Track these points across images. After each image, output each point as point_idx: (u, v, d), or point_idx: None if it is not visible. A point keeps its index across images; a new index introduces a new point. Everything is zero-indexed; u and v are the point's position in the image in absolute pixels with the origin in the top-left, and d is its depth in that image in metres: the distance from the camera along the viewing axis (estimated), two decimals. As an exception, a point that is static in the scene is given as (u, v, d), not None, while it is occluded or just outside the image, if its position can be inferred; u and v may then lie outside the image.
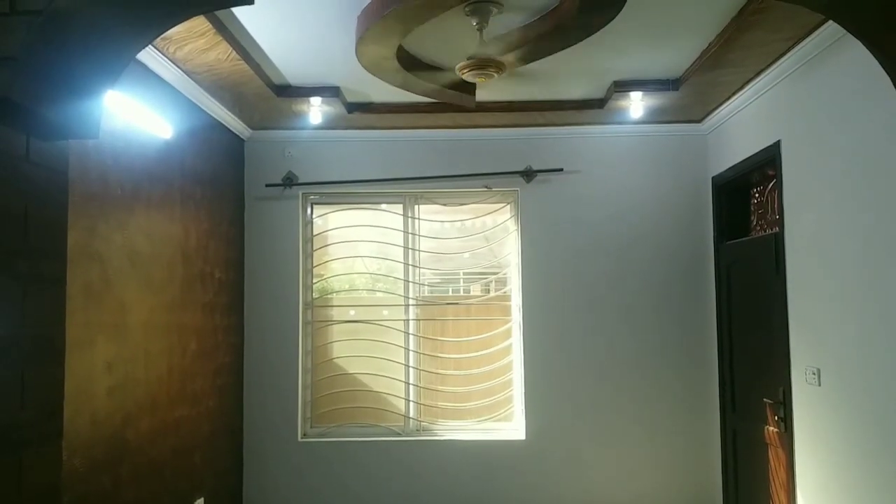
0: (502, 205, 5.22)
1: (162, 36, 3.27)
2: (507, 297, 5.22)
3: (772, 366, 4.03)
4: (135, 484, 3.41)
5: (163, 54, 3.57)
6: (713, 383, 4.92)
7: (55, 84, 1.82)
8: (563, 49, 3.41)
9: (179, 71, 3.80)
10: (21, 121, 1.76)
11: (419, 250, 5.23)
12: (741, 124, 4.43)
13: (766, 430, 4.12)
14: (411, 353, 5.16)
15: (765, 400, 4.11)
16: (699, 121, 4.95)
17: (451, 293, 5.39)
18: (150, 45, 3.39)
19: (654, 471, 4.92)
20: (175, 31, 3.28)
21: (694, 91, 4.30)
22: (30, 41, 1.70)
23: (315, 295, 5.24)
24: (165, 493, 3.75)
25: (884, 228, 2.95)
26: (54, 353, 1.91)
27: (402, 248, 5.21)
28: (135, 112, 3.42)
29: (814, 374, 3.53)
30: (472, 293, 5.40)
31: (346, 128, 5.01)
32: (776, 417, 3.96)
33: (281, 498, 4.98)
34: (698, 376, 4.95)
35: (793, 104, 3.75)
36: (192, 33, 3.31)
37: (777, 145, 3.89)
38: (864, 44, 2.26)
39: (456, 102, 4.14)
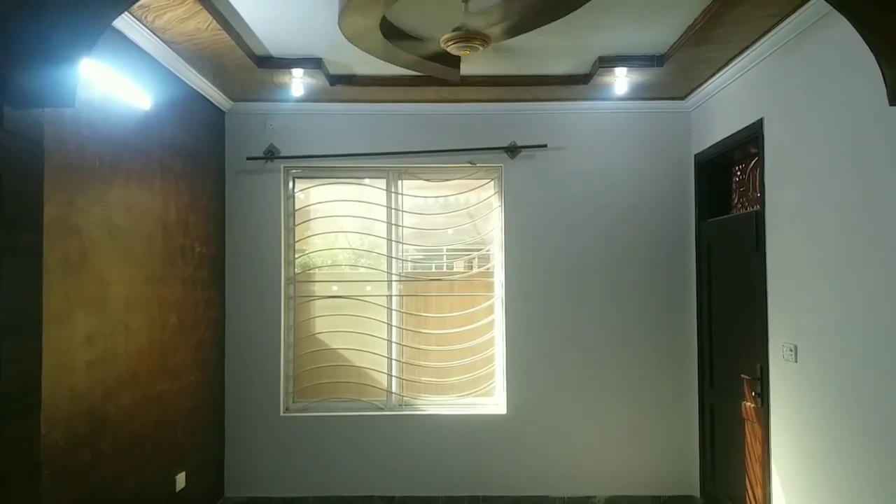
0: (486, 181, 5.21)
1: (140, 4, 3.21)
2: (489, 274, 5.24)
3: (750, 342, 4.09)
4: (116, 458, 3.41)
5: (141, 23, 3.49)
6: (692, 359, 4.99)
7: (29, 50, 1.77)
8: (549, 23, 3.37)
9: (158, 40, 3.72)
10: (-6, 88, 1.71)
11: (402, 226, 5.21)
12: (724, 102, 4.44)
13: (743, 406, 4.19)
14: (394, 328, 5.17)
15: (742, 376, 4.17)
16: (683, 98, 4.95)
17: (434, 269, 5.39)
18: (128, 14, 3.33)
19: (634, 445, 4.99)
20: (153, -1, 3.21)
21: (678, 67, 4.29)
22: (2, 5, 1.65)
23: (297, 270, 5.22)
24: (147, 467, 3.75)
25: (864, 208, 2.98)
26: (32, 325, 1.88)
27: (386, 224, 5.19)
28: (113, 82, 3.35)
29: (791, 350, 3.58)
30: (455, 269, 5.40)
31: (329, 101, 4.95)
32: (753, 393, 4.03)
33: (263, 472, 5.00)
34: (678, 352, 5.02)
35: (776, 82, 3.76)
36: (172, 1, 3.24)
37: (760, 123, 3.90)
38: (848, 20, 2.26)
39: (440, 76, 4.10)
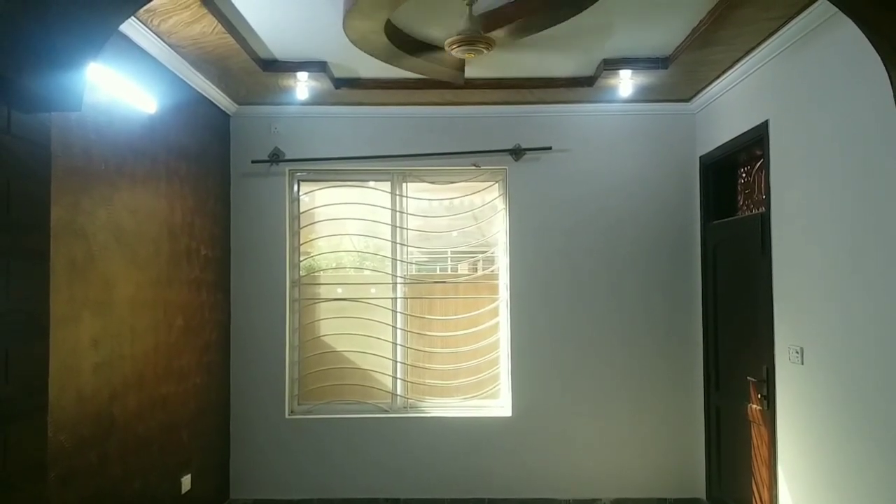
0: (490, 183, 5.21)
1: (146, 8, 3.22)
2: (494, 276, 5.23)
3: (756, 344, 4.07)
4: (122, 460, 3.42)
5: (147, 27, 3.51)
6: (698, 361, 4.98)
7: (36, 55, 1.78)
8: (553, 25, 3.38)
9: (164, 44, 3.74)
10: (1, 92, 1.72)
11: (407, 228, 5.22)
12: (729, 104, 4.43)
13: (749, 408, 4.18)
14: (399, 330, 5.17)
15: (748, 378, 4.16)
16: (688, 100, 4.94)
17: (438, 271, 5.39)
18: (133, 18, 3.35)
19: (639, 447, 4.98)
20: (159, 3, 3.22)
21: (683, 70, 4.29)
22: (9, 10, 1.66)
23: (302, 272, 5.23)
24: (153, 469, 3.76)
25: (869, 210, 2.97)
26: (38, 328, 1.89)
27: (390, 226, 5.20)
28: (118, 86, 3.36)
29: (797, 352, 3.57)
30: (459, 272, 5.40)
31: (334, 104, 4.96)
32: (759, 395, 4.01)
33: (268, 475, 5.01)
34: (683, 354, 5.00)
35: (781, 84, 3.75)
36: (177, 5, 3.25)
37: (765, 125, 3.90)
38: (854, 21, 2.26)
39: (444, 79, 4.11)
